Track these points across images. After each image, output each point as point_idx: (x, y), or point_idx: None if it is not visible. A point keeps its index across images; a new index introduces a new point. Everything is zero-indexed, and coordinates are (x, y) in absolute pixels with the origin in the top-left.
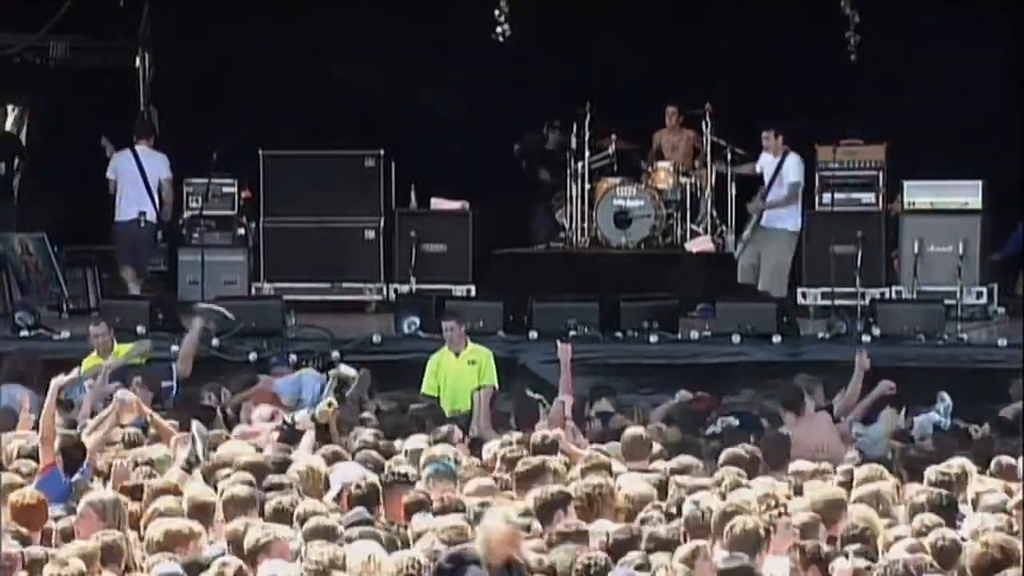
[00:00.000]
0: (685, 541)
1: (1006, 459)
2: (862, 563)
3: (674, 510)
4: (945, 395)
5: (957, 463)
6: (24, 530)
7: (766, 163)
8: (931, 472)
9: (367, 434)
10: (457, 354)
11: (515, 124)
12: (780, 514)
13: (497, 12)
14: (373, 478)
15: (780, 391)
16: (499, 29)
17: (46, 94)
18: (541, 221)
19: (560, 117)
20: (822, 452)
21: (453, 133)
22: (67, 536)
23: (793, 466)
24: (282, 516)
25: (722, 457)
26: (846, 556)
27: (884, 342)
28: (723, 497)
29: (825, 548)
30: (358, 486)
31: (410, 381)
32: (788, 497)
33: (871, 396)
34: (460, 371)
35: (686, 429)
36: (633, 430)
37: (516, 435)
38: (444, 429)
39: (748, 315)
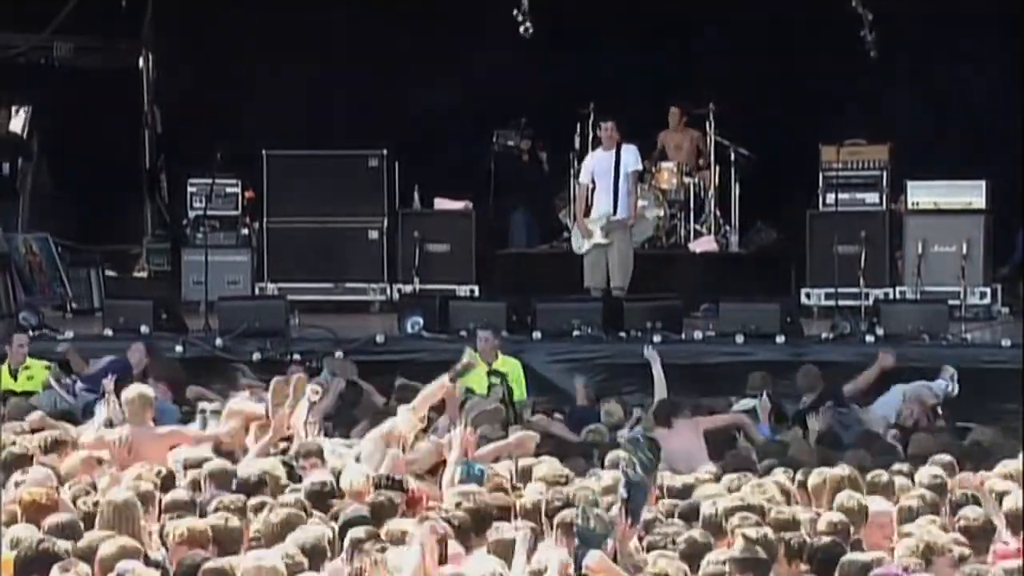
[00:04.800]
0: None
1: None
2: None
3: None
4: (951, 367)
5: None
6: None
7: (600, 158)
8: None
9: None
10: (488, 365)
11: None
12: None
13: (516, 11)
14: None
15: (653, 408)
16: (522, 28)
17: (50, 95)
18: (517, 223)
19: (529, 119)
20: (685, 461)
21: (456, 133)
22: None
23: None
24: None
25: None
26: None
27: (888, 342)
28: None
29: (810, 541)
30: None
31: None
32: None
33: (873, 370)
34: (479, 384)
35: None
36: None
37: None
38: None
39: (751, 315)
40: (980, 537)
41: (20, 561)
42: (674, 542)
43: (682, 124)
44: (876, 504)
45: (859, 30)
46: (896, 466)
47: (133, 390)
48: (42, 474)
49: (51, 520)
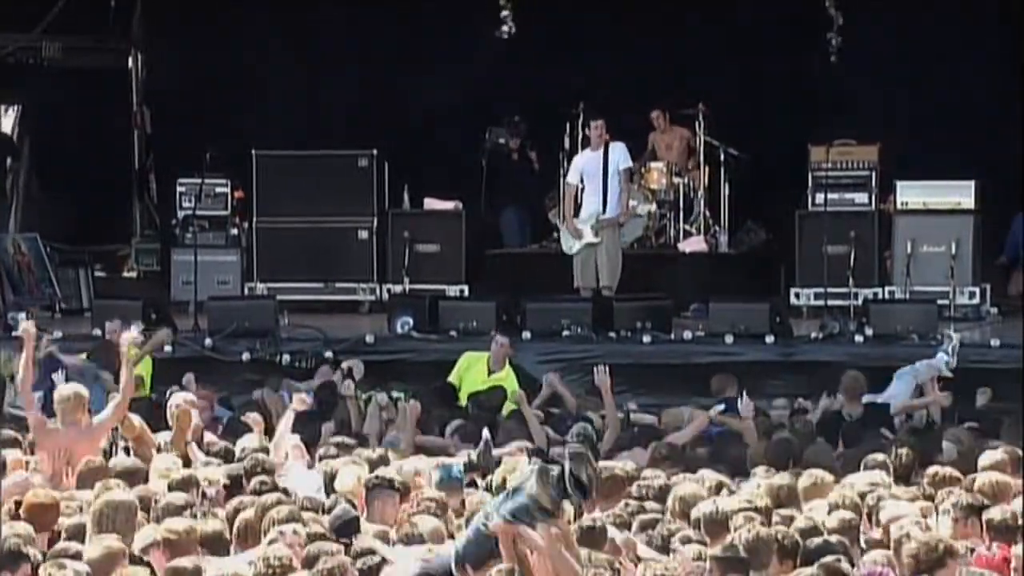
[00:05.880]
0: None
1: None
2: None
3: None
4: (952, 334)
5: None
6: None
7: (589, 158)
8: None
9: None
10: (489, 372)
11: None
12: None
13: (503, 11)
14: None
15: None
16: (504, 28)
17: (40, 94)
18: (508, 221)
19: (522, 117)
20: None
21: (446, 133)
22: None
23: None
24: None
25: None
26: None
27: (877, 342)
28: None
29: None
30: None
31: (402, 381)
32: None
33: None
34: (470, 383)
35: None
36: None
37: None
38: None
39: (741, 315)
40: (1007, 535)
41: None
42: (663, 538)
43: (667, 124)
44: (896, 506)
45: (827, 32)
46: (819, 472)
47: (67, 389)
48: (21, 477)
49: (65, 523)
